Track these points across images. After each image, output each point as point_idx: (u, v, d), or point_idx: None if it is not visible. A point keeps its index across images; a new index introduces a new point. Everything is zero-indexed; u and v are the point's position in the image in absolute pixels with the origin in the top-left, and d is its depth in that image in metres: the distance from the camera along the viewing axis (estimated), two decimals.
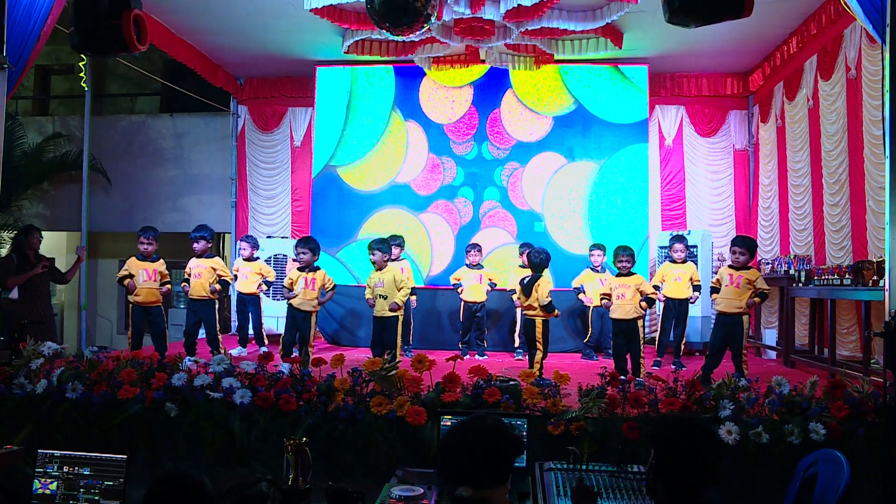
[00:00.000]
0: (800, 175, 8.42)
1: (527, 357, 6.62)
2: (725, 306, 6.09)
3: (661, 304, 7.61)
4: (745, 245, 6.20)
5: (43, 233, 11.41)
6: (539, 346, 6.10)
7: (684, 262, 7.48)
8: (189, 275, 7.09)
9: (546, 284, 6.11)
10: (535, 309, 6.10)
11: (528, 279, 6.24)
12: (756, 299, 6.10)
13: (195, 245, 7.09)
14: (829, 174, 7.58)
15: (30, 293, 6.54)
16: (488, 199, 9.55)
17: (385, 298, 6.58)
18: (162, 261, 7.03)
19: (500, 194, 9.55)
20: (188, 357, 5.69)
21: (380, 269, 6.71)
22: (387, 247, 6.82)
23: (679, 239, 7.60)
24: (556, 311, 6.15)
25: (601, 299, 6.56)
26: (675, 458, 2.25)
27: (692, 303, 7.44)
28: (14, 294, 6.41)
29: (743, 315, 6.04)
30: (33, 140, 11.28)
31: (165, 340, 7.00)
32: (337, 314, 9.13)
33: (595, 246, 8.15)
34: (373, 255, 6.73)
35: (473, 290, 8.07)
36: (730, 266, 6.27)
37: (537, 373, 5.71)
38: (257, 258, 8.18)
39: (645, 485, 2.47)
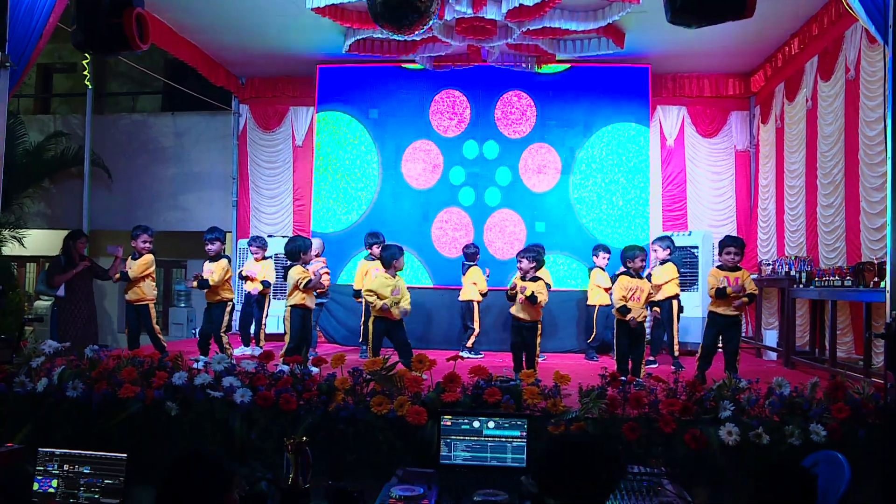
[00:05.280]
0: (795, 176, 8.43)
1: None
2: (725, 308, 6.00)
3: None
4: (737, 244, 6.13)
5: (44, 231, 11.55)
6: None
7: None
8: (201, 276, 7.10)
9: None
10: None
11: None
12: (744, 299, 5.96)
13: (209, 247, 7.13)
14: (823, 175, 7.60)
15: (74, 292, 7.14)
16: (489, 200, 9.55)
17: (398, 304, 6.49)
18: (144, 257, 6.99)
19: (501, 194, 9.55)
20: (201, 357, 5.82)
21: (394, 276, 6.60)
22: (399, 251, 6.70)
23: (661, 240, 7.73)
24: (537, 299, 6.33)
25: (623, 312, 6.24)
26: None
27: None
28: (61, 292, 7.07)
29: (740, 316, 6.03)
30: (35, 138, 11.29)
31: (158, 337, 7.04)
32: (338, 314, 9.14)
33: (600, 247, 8.13)
34: (397, 260, 6.57)
35: (474, 289, 8.08)
36: (719, 267, 6.14)
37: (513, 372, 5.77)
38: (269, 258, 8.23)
39: None
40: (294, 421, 4.08)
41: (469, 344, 8.06)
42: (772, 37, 8.40)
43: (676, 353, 7.33)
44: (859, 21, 4.79)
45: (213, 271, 6.99)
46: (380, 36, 8.70)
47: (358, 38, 8.65)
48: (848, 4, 4.74)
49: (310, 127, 10.54)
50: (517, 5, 7.08)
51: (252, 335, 8.11)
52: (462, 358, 4.61)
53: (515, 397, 4.08)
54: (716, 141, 10.16)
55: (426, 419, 3.96)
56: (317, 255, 7.90)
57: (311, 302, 6.54)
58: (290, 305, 6.42)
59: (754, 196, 9.97)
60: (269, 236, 9.90)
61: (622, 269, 6.57)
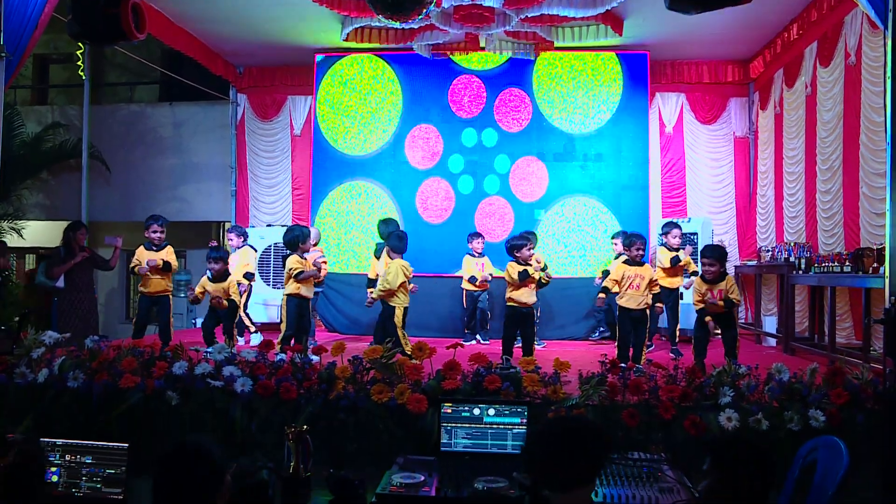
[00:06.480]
0: (794, 162, 8.42)
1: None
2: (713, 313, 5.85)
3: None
4: (712, 255, 5.79)
5: (43, 223, 11.54)
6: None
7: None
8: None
9: (511, 266, 6.43)
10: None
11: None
12: (720, 303, 5.74)
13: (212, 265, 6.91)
14: (822, 161, 7.59)
15: (75, 283, 7.18)
16: (488, 188, 9.53)
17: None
18: (169, 248, 6.94)
19: (500, 182, 9.53)
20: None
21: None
22: (396, 239, 6.83)
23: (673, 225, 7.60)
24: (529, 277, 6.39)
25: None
26: (737, 478, 2.27)
27: (686, 287, 7.33)
28: (60, 283, 7.08)
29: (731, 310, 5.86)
30: (32, 130, 11.24)
31: (170, 331, 7.00)
32: (337, 302, 9.14)
33: (620, 234, 7.99)
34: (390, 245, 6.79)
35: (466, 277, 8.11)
36: (703, 279, 5.87)
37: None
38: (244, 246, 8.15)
39: (699, 496, 2.47)
40: (294, 410, 4.10)
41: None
42: (771, 23, 8.36)
43: (677, 340, 7.35)
44: (859, 6, 4.77)
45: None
46: (377, 24, 8.66)
47: (355, 26, 8.61)
48: None
49: (308, 116, 10.51)
50: None
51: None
52: (462, 345, 4.63)
53: (515, 384, 4.10)
54: (715, 127, 10.13)
55: (426, 407, 3.98)
56: (314, 245, 7.89)
57: (306, 291, 6.58)
58: (286, 294, 6.50)
59: (753, 182, 9.96)
60: (268, 226, 9.92)
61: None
